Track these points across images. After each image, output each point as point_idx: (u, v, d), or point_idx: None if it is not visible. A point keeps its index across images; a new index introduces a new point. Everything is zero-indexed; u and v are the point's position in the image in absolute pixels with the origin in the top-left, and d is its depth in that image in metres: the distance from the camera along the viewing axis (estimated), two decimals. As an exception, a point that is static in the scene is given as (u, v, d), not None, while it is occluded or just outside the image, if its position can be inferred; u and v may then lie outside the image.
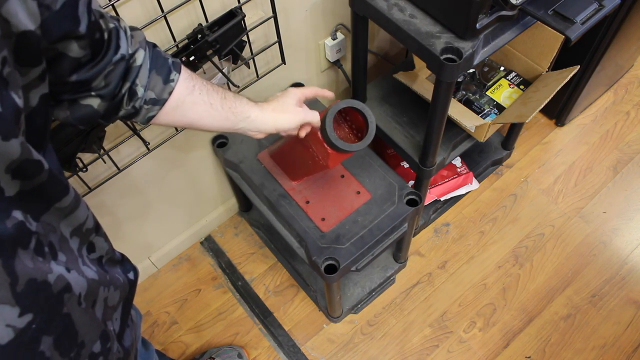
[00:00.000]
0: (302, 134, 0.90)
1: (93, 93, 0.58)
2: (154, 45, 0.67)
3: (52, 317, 0.44)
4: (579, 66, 1.18)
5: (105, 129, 0.96)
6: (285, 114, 0.84)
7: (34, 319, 0.42)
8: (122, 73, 0.60)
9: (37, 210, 0.44)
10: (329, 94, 0.92)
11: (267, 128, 0.83)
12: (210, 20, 0.98)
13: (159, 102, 0.67)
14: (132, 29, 0.63)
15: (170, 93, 0.67)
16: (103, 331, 0.53)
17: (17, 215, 0.41)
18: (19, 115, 0.40)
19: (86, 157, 1.02)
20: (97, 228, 0.56)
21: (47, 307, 0.43)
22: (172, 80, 0.67)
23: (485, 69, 1.37)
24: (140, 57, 0.62)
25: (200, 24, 0.97)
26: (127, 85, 0.62)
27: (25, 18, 0.40)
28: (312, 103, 1.30)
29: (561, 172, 1.68)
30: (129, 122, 1.01)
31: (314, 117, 0.87)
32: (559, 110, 1.72)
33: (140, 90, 0.63)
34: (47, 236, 0.45)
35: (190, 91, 0.70)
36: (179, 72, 0.68)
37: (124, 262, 0.64)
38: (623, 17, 1.34)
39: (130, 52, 0.60)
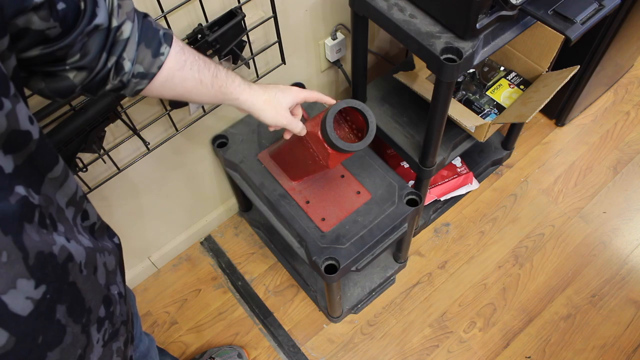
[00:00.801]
0: (287, 136, 0.93)
1: (68, 67, 0.56)
2: (145, 15, 0.64)
3: (61, 286, 0.45)
4: (579, 66, 1.18)
5: (105, 129, 0.96)
6: (272, 111, 0.84)
7: (47, 290, 0.43)
8: (102, 43, 0.57)
9: (36, 183, 0.44)
10: (331, 101, 0.92)
11: (253, 113, 0.83)
12: (210, 20, 0.98)
13: (148, 76, 0.65)
14: None
15: (159, 67, 0.65)
16: (105, 296, 0.54)
17: (20, 190, 0.41)
18: (6, 81, 0.39)
19: (86, 157, 1.02)
20: (86, 196, 0.56)
21: (56, 277, 0.44)
22: (162, 54, 0.65)
23: (485, 69, 1.37)
24: (128, 29, 0.59)
25: (200, 24, 0.97)
26: (114, 59, 0.59)
27: None
28: (312, 102, 1.30)
29: (561, 172, 1.68)
30: (129, 122, 1.01)
31: (297, 127, 0.88)
32: (559, 110, 1.72)
33: (127, 65, 0.61)
34: (47, 208, 0.45)
35: (181, 66, 0.68)
36: (170, 45, 0.66)
37: (109, 229, 0.65)
38: (623, 17, 1.34)
39: (116, 24, 0.58)
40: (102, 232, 0.60)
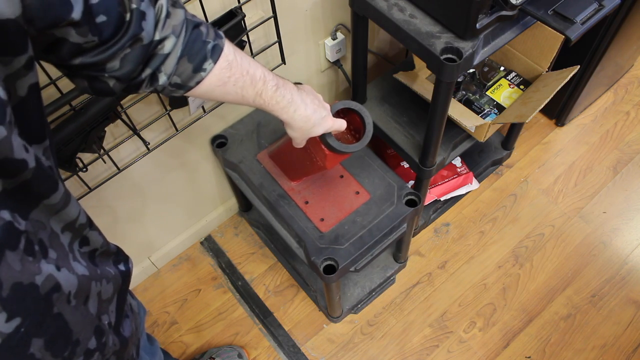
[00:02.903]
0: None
1: (107, 74, 0.54)
2: (197, 25, 0.60)
3: (43, 319, 0.43)
4: (579, 66, 1.18)
5: (105, 129, 0.96)
6: (300, 136, 0.84)
7: (22, 323, 0.41)
8: (141, 57, 0.55)
9: (25, 208, 0.42)
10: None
11: (285, 125, 0.83)
12: (210, 20, 0.98)
13: (184, 88, 0.62)
14: (174, 4, 0.57)
15: (198, 82, 0.62)
16: (97, 326, 0.52)
17: (4, 215, 0.39)
18: (3, 107, 0.37)
19: (86, 157, 1.02)
20: (91, 223, 0.54)
21: (36, 309, 0.42)
22: (204, 70, 0.61)
23: (485, 69, 1.37)
24: (170, 44, 0.56)
25: (200, 24, 0.97)
26: (149, 71, 0.57)
27: (2, 5, 0.37)
28: (312, 103, 1.30)
29: (561, 172, 1.68)
30: (129, 122, 1.01)
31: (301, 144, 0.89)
32: (559, 110, 1.72)
33: (162, 78, 0.59)
34: (36, 234, 0.43)
35: (223, 82, 0.65)
36: (216, 61, 0.62)
37: (118, 254, 0.62)
38: (623, 17, 1.34)
39: (158, 37, 0.55)
40: (105, 257, 0.58)
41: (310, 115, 0.79)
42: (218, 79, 0.64)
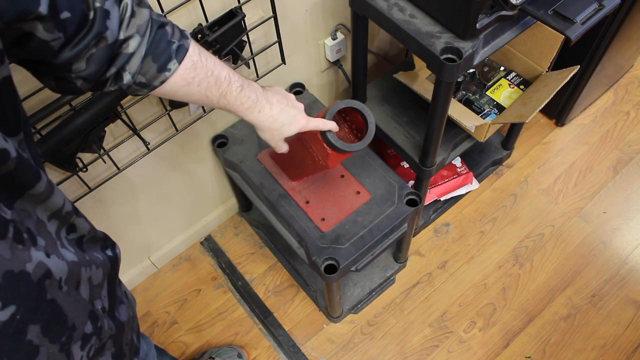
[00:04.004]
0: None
1: (73, 75, 0.55)
2: (162, 25, 0.61)
3: (37, 305, 0.44)
4: (579, 66, 1.18)
5: (105, 129, 0.96)
6: (269, 136, 0.83)
7: (17, 310, 0.41)
8: (106, 56, 0.55)
9: (10, 198, 0.43)
10: (332, 126, 0.90)
11: (261, 130, 0.82)
12: (210, 20, 0.98)
13: (148, 87, 0.63)
14: (140, 4, 0.57)
15: (162, 82, 0.63)
16: (91, 311, 0.53)
17: None
18: None
19: (86, 157, 1.02)
20: (76, 211, 0.55)
21: (29, 296, 0.43)
22: (168, 70, 0.62)
23: (485, 69, 1.37)
24: (134, 43, 0.57)
25: (200, 24, 0.97)
26: (113, 70, 0.58)
27: None
28: (312, 102, 1.30)
29: (561, 172, 1.68)
30: (129, 122, 1.01)
31: (282, 149, 0.89)
32: (559, 110, 1.72)
33: (127, 77, 0.59)
34: (23, 222, 0.43)
35: (187, 82, 0.65)
36: (180, 62, 0.63)
37: (105, 240, 0.62)
38: (623, 17, 1.34)
39: (122, 37, 0.55)
40: (93, 243, 0.58)
41: (277, 115, 0.79)
42: (182, 79, 0.64)
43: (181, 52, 0.63)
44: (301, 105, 0.85)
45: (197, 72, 0.66)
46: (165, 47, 0.61)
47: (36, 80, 0.58)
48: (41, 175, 0.46)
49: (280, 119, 0.80)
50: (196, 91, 0.68)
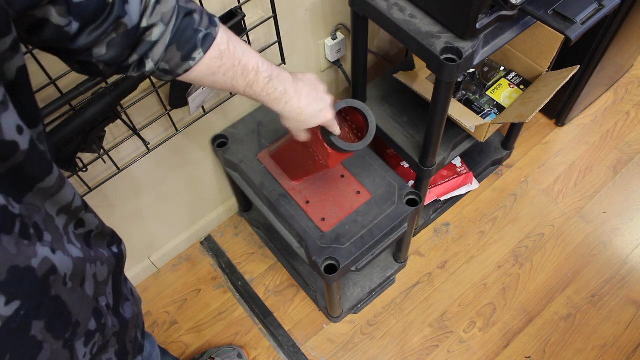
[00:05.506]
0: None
1: (94, 59, 0.54)
2: (188, 13, 0.59)
3: (41, 301, 0.44)
4: (579, 66, 1.18)
5: (105, 129, 0.96)
6: (295, 126, 0.82)
7: (22, 306, 0.41)
8: (126, 42, 0.55)
9: (19, 192, 0.42)
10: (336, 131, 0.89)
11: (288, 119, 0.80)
12: (210, 20, 0.98)
13: (172, 74, 0.62)
14: None
15: (186, 70, 0.62)
16: (95, 308, 0.52)
17: None
18: None
19: (86, 157, 1.02)
20: (86, 206, 0.54)
21: (34, 292, 0.43)
22: (193, 59, 0.61)
23: (485, 69, 1.37)
24: (158, 32, 0.56)
25: (200, 24, 0.96)
26: (136, 57, 0.57)
27: None
28: (312, 103, 1.30)
29: (561, 172, 1.68)
30: (129, 122, 1.01)
31: (301, 138, 0.88)
32: (559, 110, 1.72)
33: (149, 64, 0.59)
34: (31, 217, 0.43)
35: (212, 72, 0.64)
36: (206, 51, 0.61)
37: (112, 236, 0.62)
38: (623, 17, 1.34)
39: (145, 24, 0.55)
40: (100, 239, 0.58)
41: (304, 107, 0.77)
42: (207, 68, 0.63)
43: (208, 41, 0.61)
44: (329, 98, 0.82)
45: (223, 61, 0.64)
46: (191, 35, 0.60)
47: (35, 80, 0.58)
48: (53, 168, 0.46)
49: (307, 111, 0.78)
50: (222, 80, 0.67)
